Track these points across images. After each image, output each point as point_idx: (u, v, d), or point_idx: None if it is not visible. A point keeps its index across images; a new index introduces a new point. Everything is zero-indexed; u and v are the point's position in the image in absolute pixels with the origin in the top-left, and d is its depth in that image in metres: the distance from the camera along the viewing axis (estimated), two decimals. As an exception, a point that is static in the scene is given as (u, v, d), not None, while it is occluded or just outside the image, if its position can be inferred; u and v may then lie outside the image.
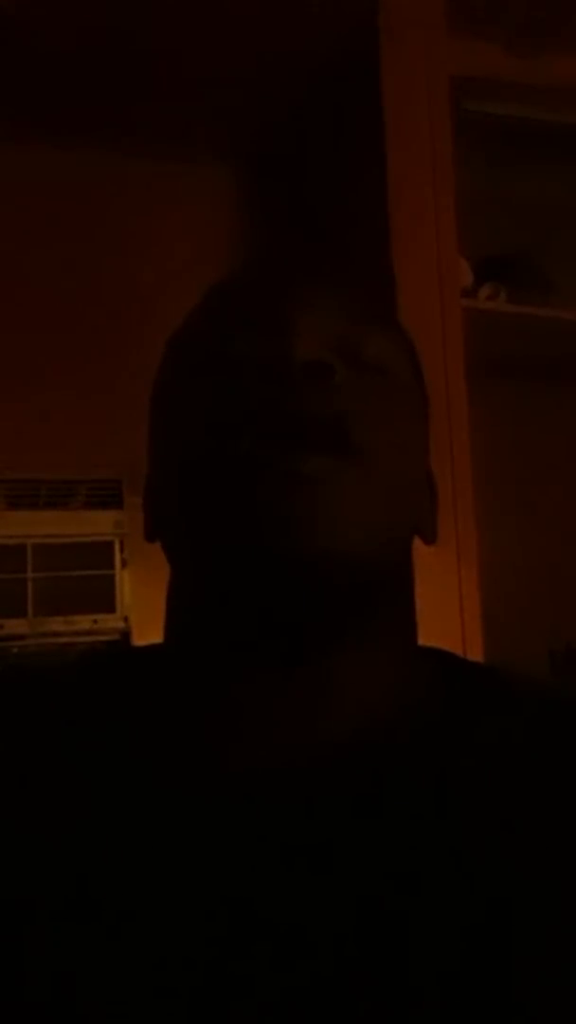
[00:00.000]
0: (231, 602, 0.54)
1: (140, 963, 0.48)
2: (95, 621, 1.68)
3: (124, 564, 1.69)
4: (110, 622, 1.68)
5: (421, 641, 0.61)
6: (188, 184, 1.82)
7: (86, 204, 1.76)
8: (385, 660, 0.56)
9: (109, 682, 0.60)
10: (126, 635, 1.68)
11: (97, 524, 1.70)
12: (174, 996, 0.47)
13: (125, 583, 1.69)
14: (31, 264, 1.73)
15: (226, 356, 0.55)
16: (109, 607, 1.68)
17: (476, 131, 1.56)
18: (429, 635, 0.62)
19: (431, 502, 0.62)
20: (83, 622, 1.67)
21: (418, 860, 0.50)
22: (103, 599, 1.68)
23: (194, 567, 0.57)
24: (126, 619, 1.69)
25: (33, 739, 0.57)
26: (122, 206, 1.78)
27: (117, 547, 1.70)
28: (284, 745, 0.53)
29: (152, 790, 0.53)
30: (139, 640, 1.67)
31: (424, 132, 1.47)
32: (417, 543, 0.60)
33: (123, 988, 0.47)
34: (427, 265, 1.44)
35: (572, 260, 1.74)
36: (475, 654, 1.35)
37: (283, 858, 0.50)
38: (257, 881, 0.49)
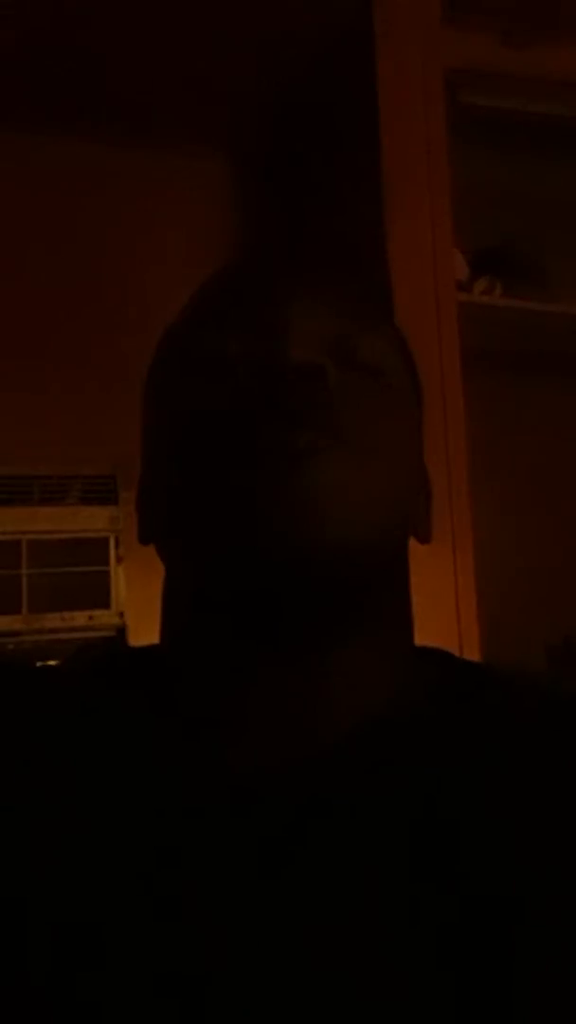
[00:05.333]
0: (230, 597, 0.54)
1: (142, 962, 0.48)
2: (90, 617, 1.67)
3: (119, 560, 1.69)
4: (105, 618, 1.68)
5: (418, 635, 0.61)
6: (181, 177, 1.82)
7: (81, 197, 1.76)
8: (384, 656, 0.56)
9: (112, 683, 0.60)
10: (122, 631, 1.68)
11: (92, 520, 1.69)
12: (178, 995, 0.47)
13: (120, 579, 1.69)
14: (24, 257, 1.72)
15: (220, 358, 0.55)
16: (104, 603, 1.68)
17: (471, 123, 1.56)
18: (426, 629, 0.62)
19: (425, 502, 0.62)
20: (78, 618, 1.67)
21: (420, 857, 0.50)
22: (98, 595, 1.68)
23: (191, 565, 0.56)
24: (122, 615, 1.69)
25: (36, 740, 0.56)
26: (117, 200, 1.77)
27: (112, 543, 1.70)
28: (288, 742, 0.53)
29: (159, 790, 0.53)
30: (135, 636, 1.67)
31: (419, 124, 1.47)
32: (413, 541, 0.60)
33: (124, 987, 0.47)
34: (422, 258, 1.44)
35: (567, 254, 1.74)
36: (472, 649, 1.35)
37: (289, 854, 0.50)
38: (265, 877, 0.49)
